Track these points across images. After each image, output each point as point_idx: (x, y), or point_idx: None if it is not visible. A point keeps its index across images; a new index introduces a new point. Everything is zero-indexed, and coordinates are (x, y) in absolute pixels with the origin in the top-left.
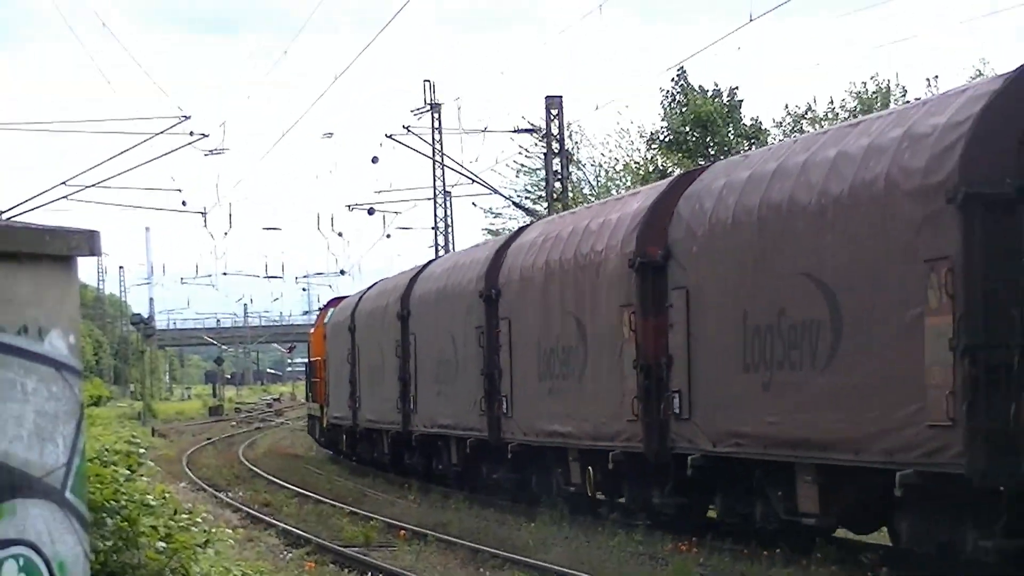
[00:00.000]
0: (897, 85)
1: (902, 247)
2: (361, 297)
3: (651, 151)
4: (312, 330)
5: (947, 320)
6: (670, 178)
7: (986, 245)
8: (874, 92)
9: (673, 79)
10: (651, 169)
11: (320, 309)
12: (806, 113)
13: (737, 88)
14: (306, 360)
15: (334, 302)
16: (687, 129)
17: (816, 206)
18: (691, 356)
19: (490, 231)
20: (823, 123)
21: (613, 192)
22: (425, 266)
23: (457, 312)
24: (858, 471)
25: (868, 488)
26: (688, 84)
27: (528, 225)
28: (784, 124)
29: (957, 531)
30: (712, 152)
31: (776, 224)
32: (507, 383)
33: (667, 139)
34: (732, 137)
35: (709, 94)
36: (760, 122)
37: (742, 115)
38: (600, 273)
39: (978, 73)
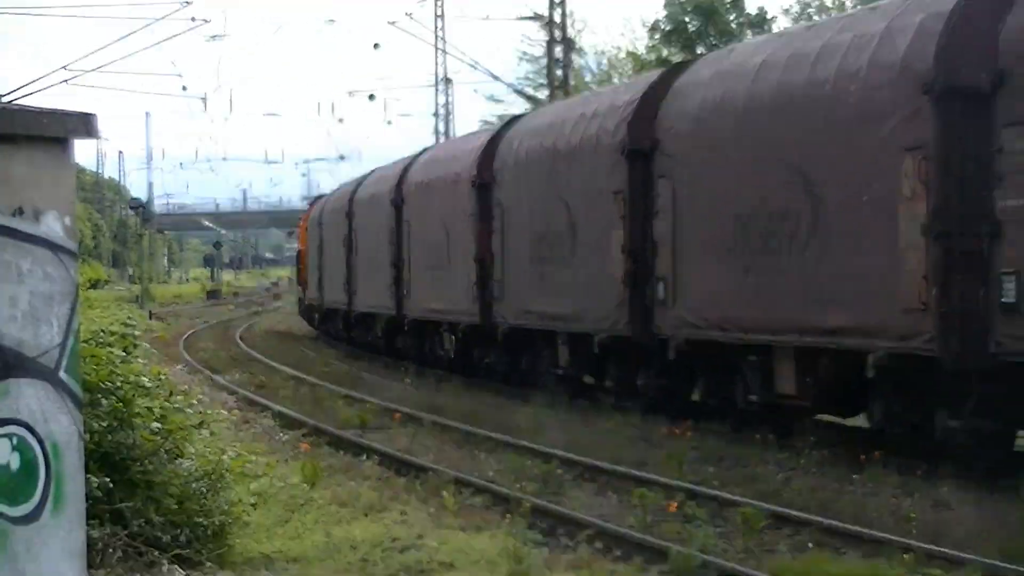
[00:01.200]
0: None
1: (881, 136)
2: (360, 183)
3: (652, 40)
4: (300, 222)
5: (921, 207)
6: (660, 69)
7: (961, 135)
8: None
9: None
10: (653, 58)
11: (310, 204)
12: (812, 1)
13: None
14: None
15: (318, 199)
16: (687, 19)
17: (800, 97)
18: (675, 244)
19: (490, 122)
20: (830, 12)
21: (615, 80)
22: (419, 154)
23: (450, 199)
24: (835, 354)
25: (843, 371)
26: None
27: (522, 115)
28: (791, 11)
29: (927, 413)
30: (713, 42)
31: (759, 115)
32: (499, 268)
33: (667, 28)
34: (735, 26)
35: None
36: (765, 11)
37: (744, 3)
38: (593, 160)
39: None
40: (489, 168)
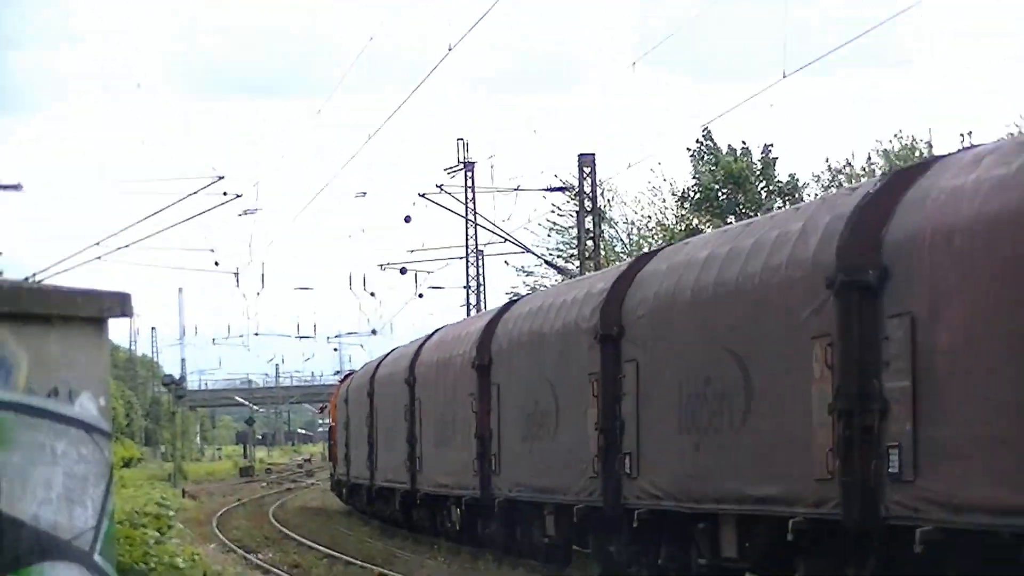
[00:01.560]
0: (924, 141)
1: (797, 325)
2: (380, 362)
3: (682, 210)
4: (331, 398)
5: (828, 388)
6: (630, 259)
7: (857, 324)
8: (900, 149)
9: (698, 139)
10: (683, 228)
11: (340, 380)
12: (844, 168)
13: (772, 145)
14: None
15: (348, 376)
16: (717, 187)
17: (735, 289)
18: (639, 422)
19: (516, 292)
20: (861, 178)
21: (645, 250)
22: (432, 334)
23: (455, 379)
24: (768, 520)
25: (775, 535)
26: (714, 143)
27: (519, 298)
28: (822, 179)
29: (840, 570)
30: (743, 210)
31: (703, 304)
32: (496, 444)
33: (696, 197)
34: (765, 194)
35: (739, 152)
36: (797, 178)
37: (776, 172)
38: (573, 343)
39: (1016, 130)
40: (487, 350)
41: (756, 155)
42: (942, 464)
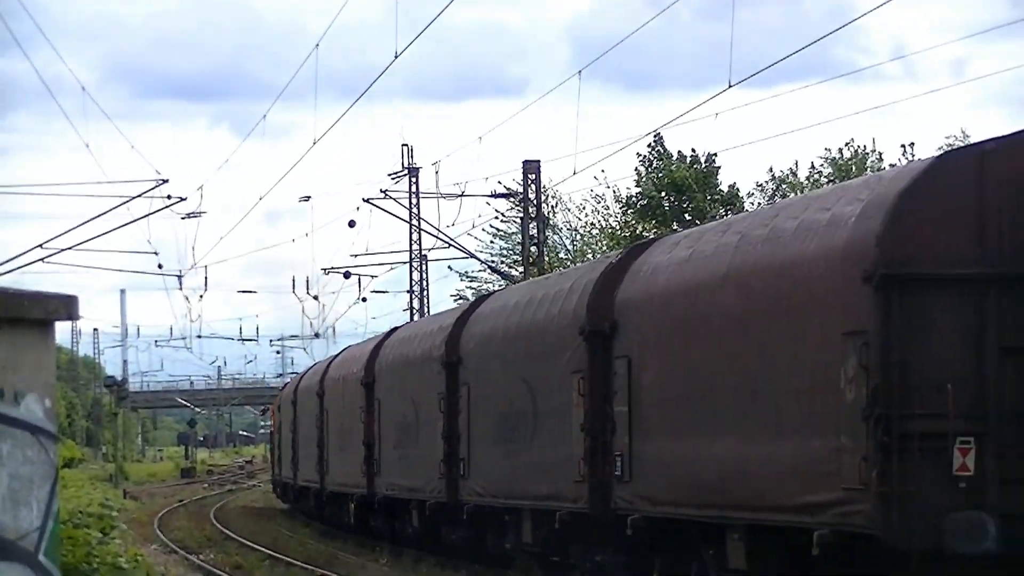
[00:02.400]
0: (873, 151)
1: (561, 364)
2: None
3: (626, 216)
4: (275, 401)
5: (581, 411)
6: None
7: (598, 363)
8: (849, 158)
9: (649, 145)
10: (627, 234)
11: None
12: (788, 177)
13: (716, 155)
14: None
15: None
16: (662, 194)
17: (526, 330)
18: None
19: (462, 296)
20: (805, 187)
21: (589, 256)
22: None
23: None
24: (550, 514)
25: (562, 525)
26: (664, 150)
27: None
28: (766, 188)
29: (593, 553)
30: (688, 218)
31: (509, 341)
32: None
33: (641, 204)
34: (707, 203)
35: (688, 160)
36: (737, 188)
37: (719, 181)
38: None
39: (954, 142)
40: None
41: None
42: (646, 469)
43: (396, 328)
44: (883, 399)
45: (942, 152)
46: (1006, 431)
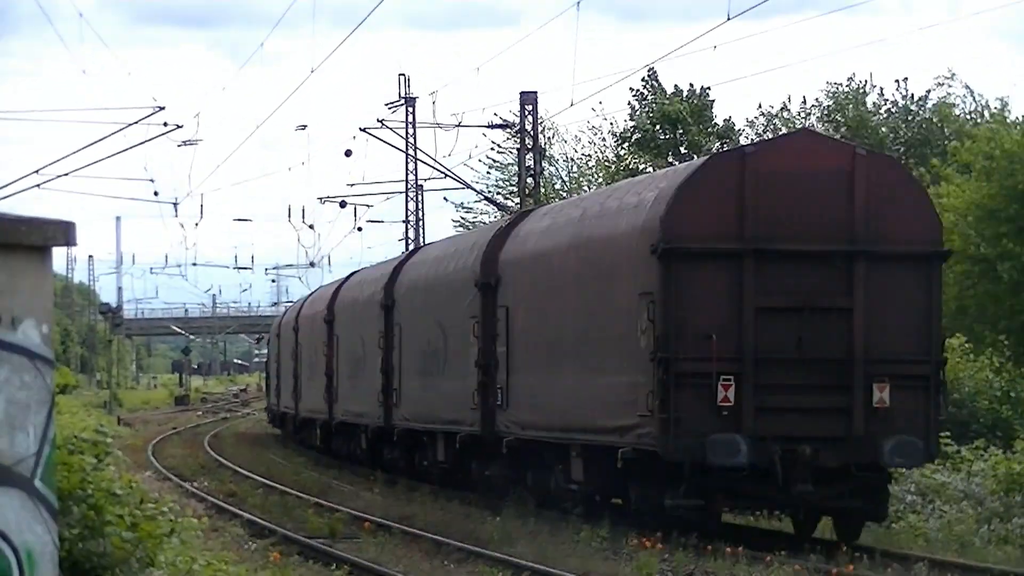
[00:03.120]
0: (873, 87)
1: (463, 309)
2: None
3: (620, 149)
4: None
5: (476, 350)
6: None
7: (488, 310)
8: (848, 92)
9: (643, 79)
10: (621, 167)
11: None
12: (780, 113)
13: (709, 88)
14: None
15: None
16: (656, 128)
17: (441, 282)
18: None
19: (462, 225)
20: (796, 123)
21: (585, 188)
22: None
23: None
24: (453, 435)
25: (460, 445)
26: (658, 84)
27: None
28: (757, 124)
29: (490, 468)
30: (684, 151)
31: (429, 291)
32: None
33: (636, 138)
34: (701, 137)
35: (684, 94)
36: (733, 122)
37: (714, 115)
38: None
39: (945, 78)
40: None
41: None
42: (517, 400)
43: (353, 273)
44: (664, 346)
45: (712, 154)
46: (759, 372)
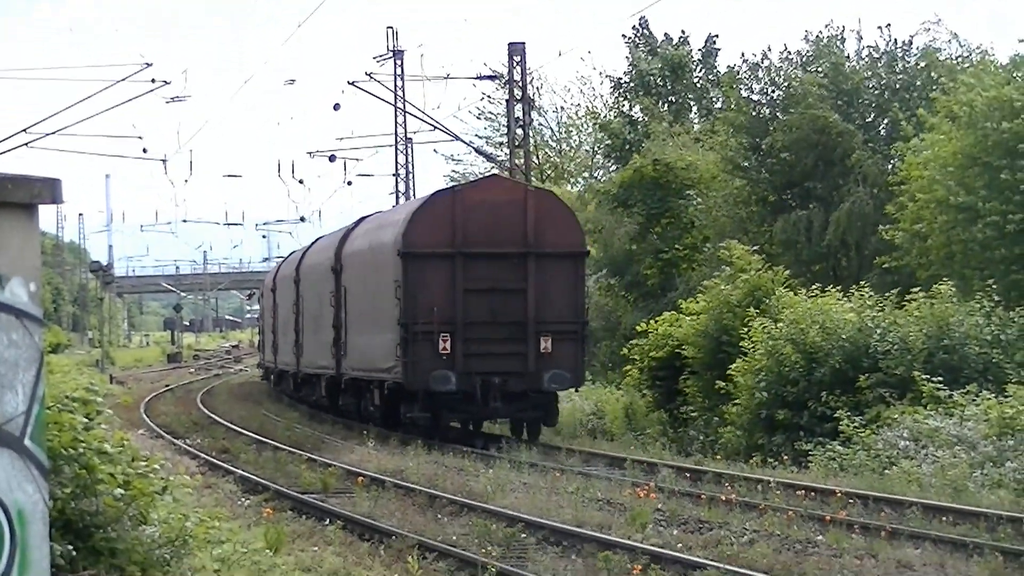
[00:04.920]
0: (853, 31)
1: (330, 287)
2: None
3: (615, 96)
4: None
5: (333, 316)
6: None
7: (338, 284)
8: (828, 38)
9: (634, 27)
10: (614, 115)
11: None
12: (761, 62)
13: (717, 36)
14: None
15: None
16: (655, 74)
17: (321, 265)
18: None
19: (453, 178)
20: (780, 72)
21: (575, 138)
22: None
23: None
24: (322, 376)
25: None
26: (649, 32)
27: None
28: (741, 73)
29: (350, 397)
30: (681, 98)
31: (311, 271)
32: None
33: (632, 84)
34: (702, 84)
35: (675, 41)
36: (736, 69)
37: (717, 62)
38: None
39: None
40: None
41: (696, 45)
42: (351, 351)
43: (319, 238)
44: (405, 314)
45: (434, 191)
46: (466, 330)
